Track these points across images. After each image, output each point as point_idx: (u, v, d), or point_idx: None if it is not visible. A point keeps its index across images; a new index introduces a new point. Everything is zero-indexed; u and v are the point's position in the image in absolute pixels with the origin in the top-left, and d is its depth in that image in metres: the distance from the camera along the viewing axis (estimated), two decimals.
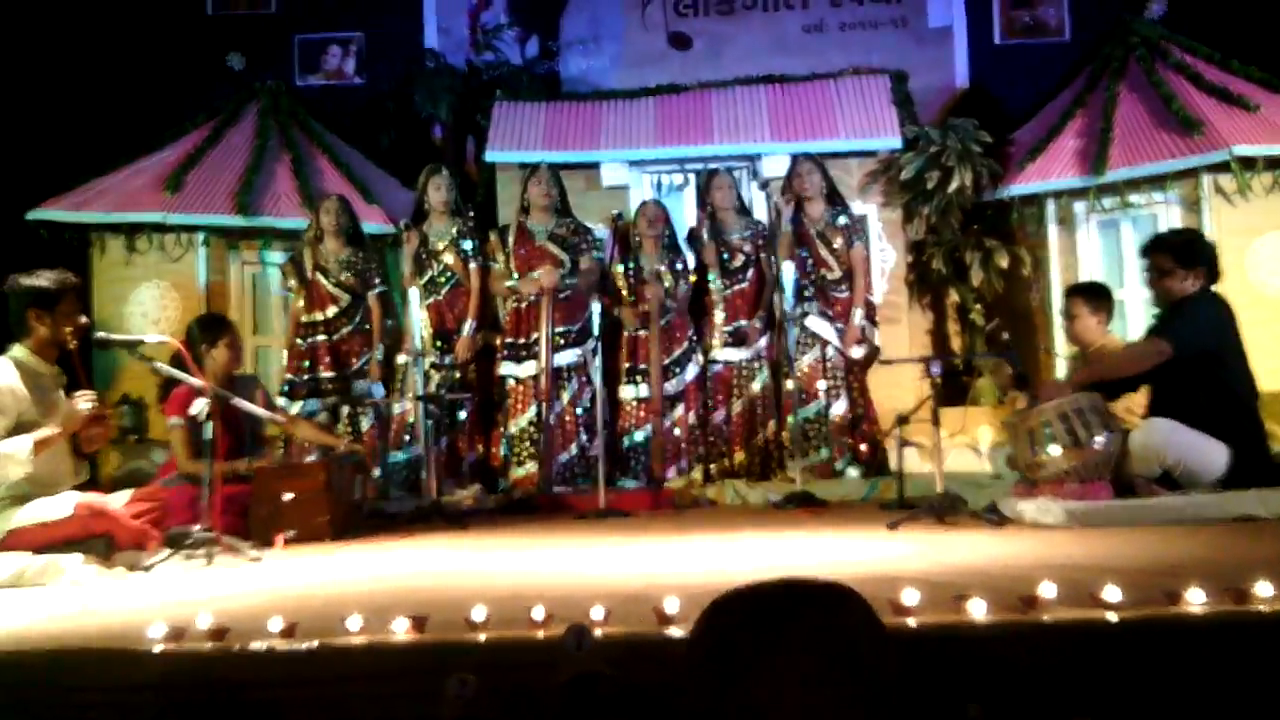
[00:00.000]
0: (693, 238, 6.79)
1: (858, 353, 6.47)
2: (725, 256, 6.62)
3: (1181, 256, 4.56)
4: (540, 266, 6.43)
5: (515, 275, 6.51)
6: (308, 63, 8.94)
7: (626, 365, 6.53)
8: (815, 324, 6.41)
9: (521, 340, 6.47)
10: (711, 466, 6.51)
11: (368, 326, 6.70)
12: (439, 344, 6.57)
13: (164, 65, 8.45)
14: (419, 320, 6.28)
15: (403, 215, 7.04)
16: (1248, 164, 6.79)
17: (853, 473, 6.29)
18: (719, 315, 6.59)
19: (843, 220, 6.55)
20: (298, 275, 6.71)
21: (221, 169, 7.61)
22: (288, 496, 4.79)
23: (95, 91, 8.11)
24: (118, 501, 4.12)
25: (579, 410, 6.43)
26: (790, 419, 6.10)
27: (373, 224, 7.31)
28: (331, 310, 6.63)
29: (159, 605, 3.03)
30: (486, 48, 8.61)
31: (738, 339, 6.56)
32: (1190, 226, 6.54)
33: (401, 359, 6.60)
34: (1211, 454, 4.27)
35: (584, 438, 6.40)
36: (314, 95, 8.69)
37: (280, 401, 6.26)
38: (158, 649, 2.37)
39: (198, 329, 5.23)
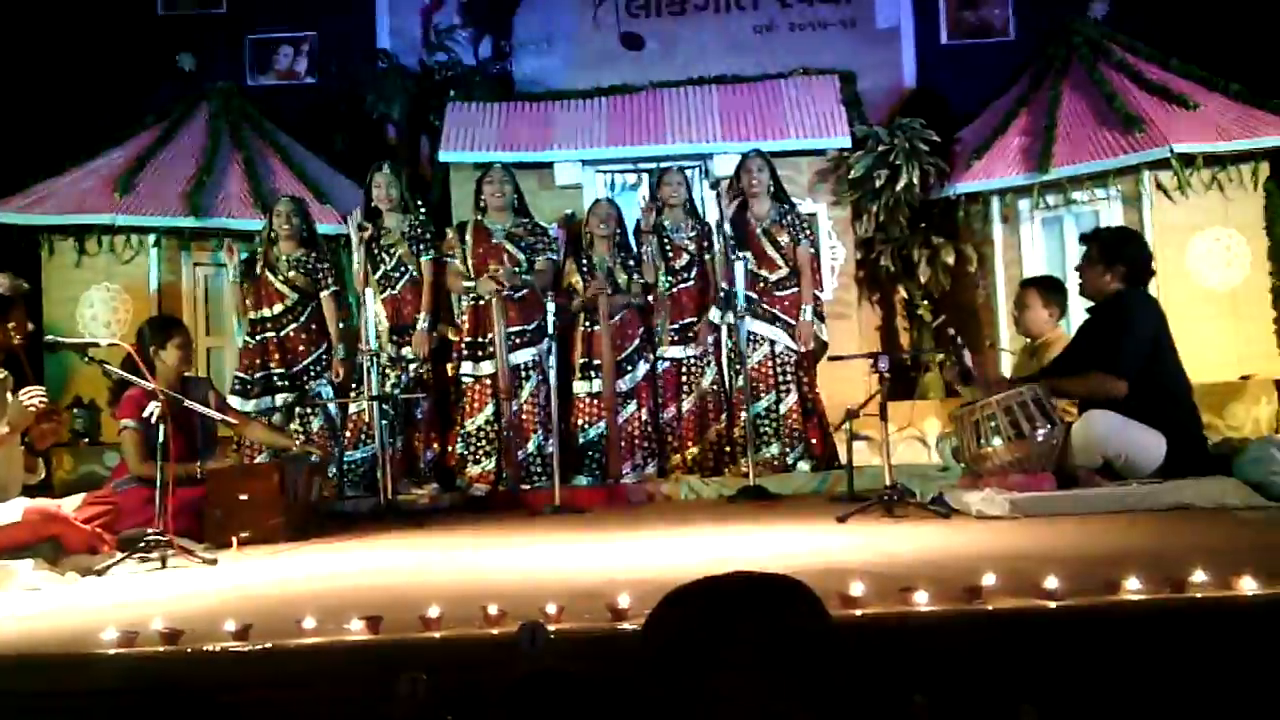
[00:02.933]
0: (638, 233, 6.82)
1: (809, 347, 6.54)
2: (669, 254, 6.66)
3: (1105, 250, 4.64)
4: (495, 265, 6.44)
5: (472, 273, 6.51)
6: (259, 63, 8.88)
7: (581, 360, 6.56)
8: (756, 326, 6.44)
9: (479, 339, 6.48)
10: (665, 462, 6.56)
11: (315, 326, 6.67)
12: (394, 338, 6.57)
13: (114, 66, 8.36)
14: (373, 318, 6.26)
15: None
16: (1187, 161, 6.96)
17: (804, 467, 6.35)
18: (666, 313, 6.63)
19: (789, 218, 6.60)
20: (248, 271, 6.64)
21: (172, 170, 7.56)
22: (242, 498, 4.77)
23: (44, 92, 8.02)
24: (69, 505, 4.09)
25: (536, 408, 6.45)
26: (743, 414, 6.15)
27: (326, 224, 7.29)
28: (278, 308, 6.58)
29: (112, 609, 3.01)
30: (439, 48, 8.58)
31: (685, 337, 6.61)
32: (1132, 227, 6.65)
33: (357, 358, 6.57)
34: (1150, 445, 4.35)
35: (541, 435, 6.42)
36: (266, 96, 8.63)
37: (233, 400, 6.22)
38: (110, 653, 2.34)
39: (148, 331, 5.19)
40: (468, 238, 6.60)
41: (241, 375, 6.56)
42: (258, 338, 6.58)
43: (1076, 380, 4.64)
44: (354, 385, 6.56)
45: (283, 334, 6.58)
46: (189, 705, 2.25)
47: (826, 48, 8.50)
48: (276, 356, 6.56)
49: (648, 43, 8.72)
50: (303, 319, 6.62)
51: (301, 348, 6.61)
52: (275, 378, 6.54)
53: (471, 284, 6.46)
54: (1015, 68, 8.17)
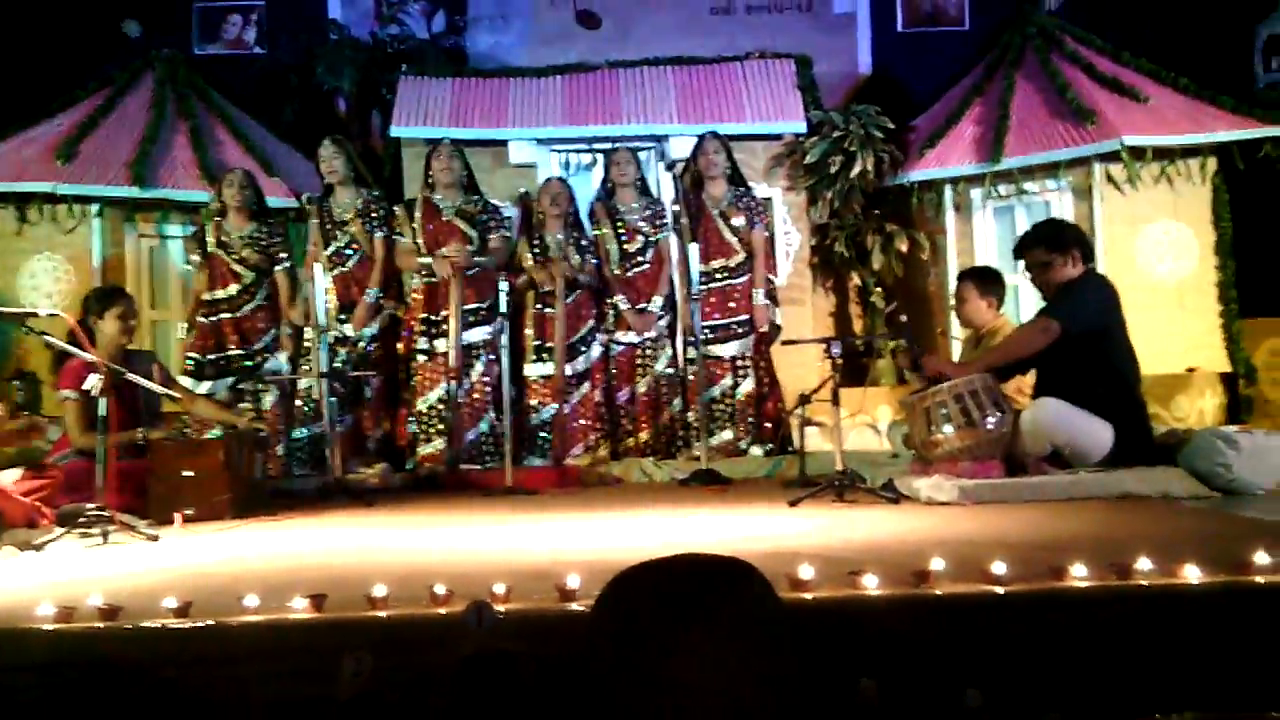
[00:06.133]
0: (591, 217, 6.78)
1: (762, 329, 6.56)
2: (623, 237, 6.63)
3: (1053, 244, 4.69)
4: (448, 243, 6.38)
5: (424, 251, 6.44)
6: (207, 31, 8.69)
7: (535, 343, 6.52)
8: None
9: (433, 317, 6.42)
10: (618, 445, 6.54)
11: (271, 303, 6.57)
12: (343, 317, 6.48)
13: (56, 31, 8.12)
14: (323, 294, 6.17)
15: (305, 189, 6.91)
16: (1137, 154, 7.02)
17: (756, 451, 6.37)
18: (621, 298, 6.61)
19: (744, 201, 6.60)
20: (200, 250, 6.54)
21: (116, 139, 7.37)
22: (186, 474, 4.69)
23: None
24: (8, 478, 4.01)
25: (487, 388, 6.40)
26: (697, 398, 6.14)
27: (275, 198, 7.16)
28: (234, 288, 6.48)
29: (49, 584, 2.96)
30: (391, 20, 8.42)
31: (638, 322, 6.59)
32: (1074, 219, 6.73)
33: (308, 333, 6.48)
34: (1098, 434, 4.39)
35: (492, 415, 6.37)
36: (213, 65, 8.42)
37: (185, 381, 6.11)
38: (46, 629, 2.30)
39: (92, 300, 5.08)
40: (417, 214, 6.53)
41: (195, 356, 6.43)
42: (211, 319, 6.46)
43: (1008, 339, 4.70)
44: (304, 361, 6.47)
45: (239, 314, 6.47)
46: (127, 682, 2.21)
47: (783, 31, 8.45)
48: (235, 338, 6.45)
49: (604, 22, 8.62)
50: (259, 298, 6.52)
51: (261, 325, 6.52)
52: (234, 359, 6.43)
53: (428, 260, 6.39)
54: (970, 57, 8.20)
